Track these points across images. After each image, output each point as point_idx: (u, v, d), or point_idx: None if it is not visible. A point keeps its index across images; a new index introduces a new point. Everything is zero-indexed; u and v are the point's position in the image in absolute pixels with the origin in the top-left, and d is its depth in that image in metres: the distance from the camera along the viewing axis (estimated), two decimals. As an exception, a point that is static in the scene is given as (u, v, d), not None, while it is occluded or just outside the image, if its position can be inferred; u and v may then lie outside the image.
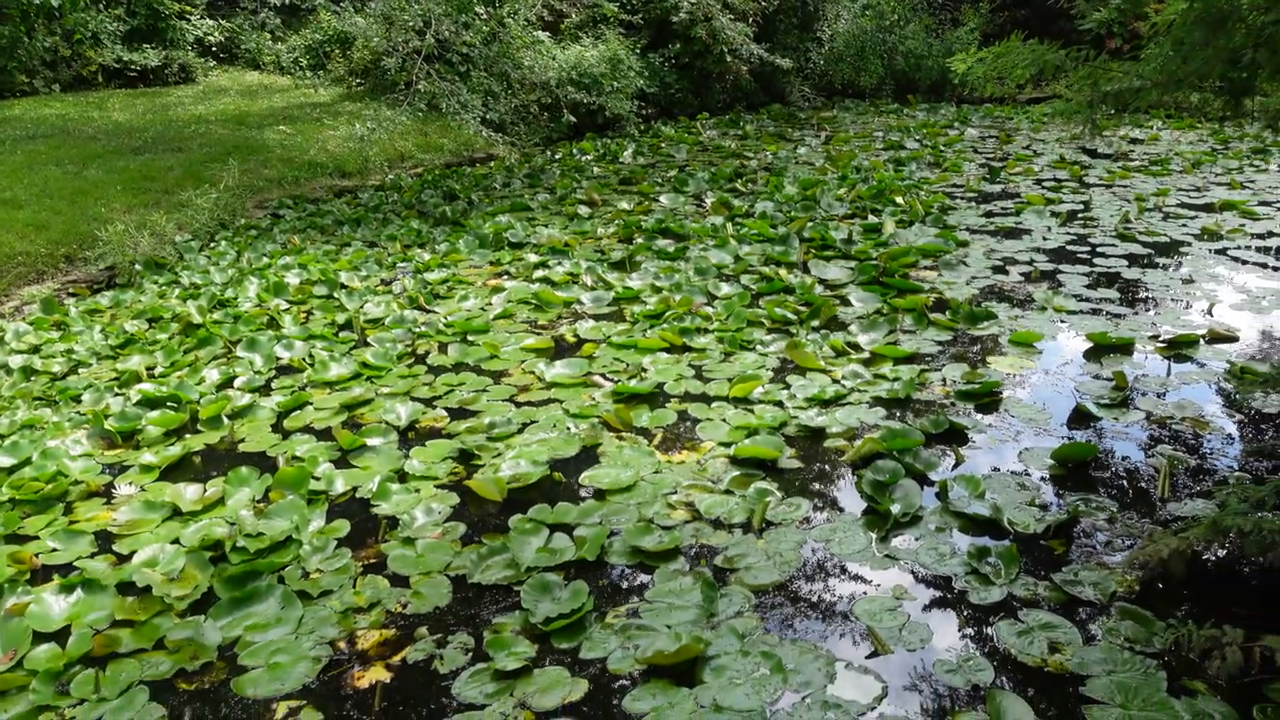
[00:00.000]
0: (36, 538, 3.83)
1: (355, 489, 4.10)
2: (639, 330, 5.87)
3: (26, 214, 8.14)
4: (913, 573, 3.36)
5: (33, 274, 7.38)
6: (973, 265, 7.09)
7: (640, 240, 8.09)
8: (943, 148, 12.60)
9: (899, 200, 9.04)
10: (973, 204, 9.17)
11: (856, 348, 5.49)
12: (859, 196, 9.37)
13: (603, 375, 5.24)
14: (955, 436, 4.37)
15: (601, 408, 4.76)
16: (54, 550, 3.71)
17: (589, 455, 4.33)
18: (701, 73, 16.51)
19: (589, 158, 12.87)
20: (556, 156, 13.13)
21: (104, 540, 3.80)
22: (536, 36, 14.35)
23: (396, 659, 3.02)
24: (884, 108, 17.53)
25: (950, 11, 19.51)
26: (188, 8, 16.49)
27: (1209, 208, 8.72)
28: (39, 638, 3.16)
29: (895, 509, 3.68)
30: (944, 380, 5.00)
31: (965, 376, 5.00)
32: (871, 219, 8.46)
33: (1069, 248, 7.51)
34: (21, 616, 3.22)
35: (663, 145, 13.75)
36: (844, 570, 3.40)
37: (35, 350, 6.07)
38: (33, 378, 5.61)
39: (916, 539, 3.55)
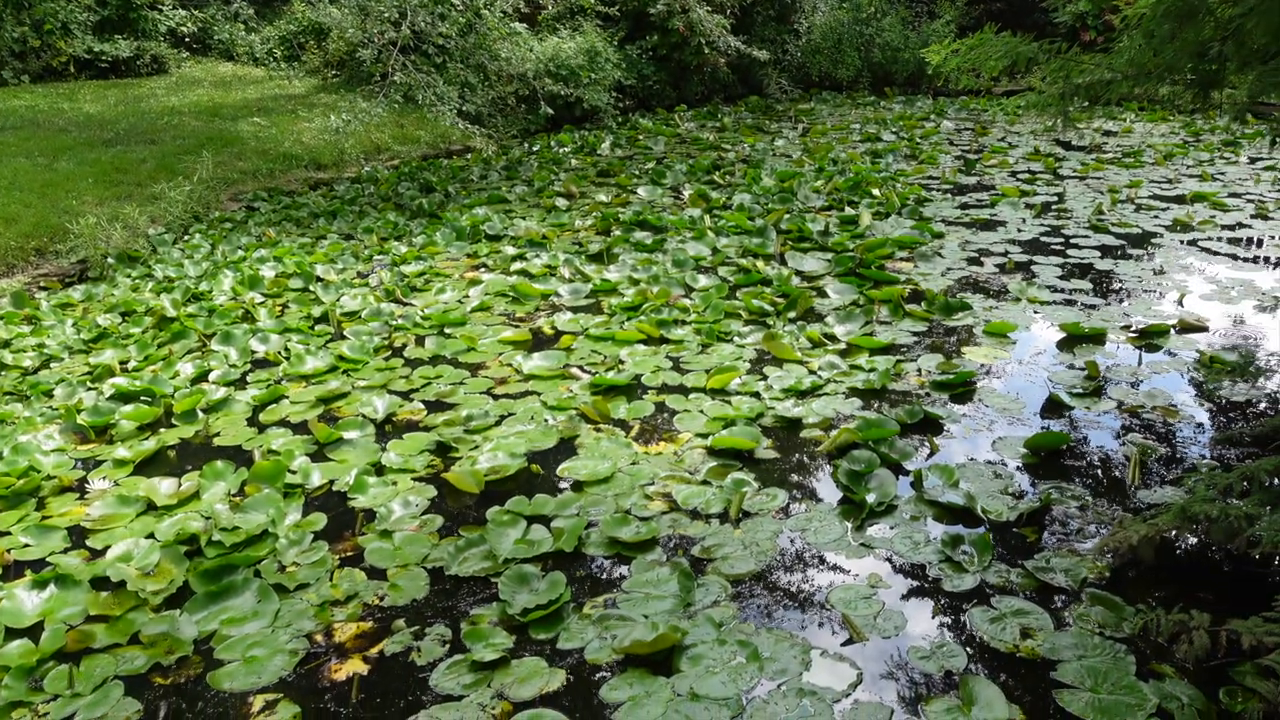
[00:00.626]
0: (8, 533, 3.79)
1: (332, 482, 4.09)
2: (616, 322, 5.87)
3: (-5, 207, 8.04)
4: (888, 561, 3.39)
5: (2, 267, 7.28)
6: (948, 257, 7.14)
7: (618, 232, 8.08)
8: (919, 140, 12.67)
9: (875, 192, 9.09)
10: (948, 196, 9.23)
11: (833, 339, 5.52)
12: (836, 188, 9.40)
13: (580, 367, 5.25)
14: (930, 426, 4.41)
15: (579, 400, 4.77)
16: (26, 546, 3.68)
17: (566, 447, 4.34)
18: (679, 65, 16.51)
19: (566, 150, 12.84)
20: (534, 149, 13.09)
21: (77, 535, 3.77)
22: (513, 28, 14.29)
23: (374, 651, 3.02)
24: (861, 100, 17.59)
25: (926, 4, 19.59)
26: (159, -2, 16.30)
27: (1180, 199, 8.82)
28: (11, 633, 3.14)
29: (871, 498, 3.71)
30: (919, 371, 5.04)
31: (940, 367, 5.04)
32: (848, 211, 8.49)
33: (1043, 239, 7.58)
34: (-7, 612, 3.19)
35: (640, 137, 13.75)
36: (820, 559, 3.43)
37: (6, 345, 5.99)
38: (3, 372, 5.55)
39: (891, 528, 3.58)
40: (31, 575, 3.42)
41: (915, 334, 5.60)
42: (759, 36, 17.53)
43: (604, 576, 3.39)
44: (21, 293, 6.87)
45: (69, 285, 7.36)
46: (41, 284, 7.30)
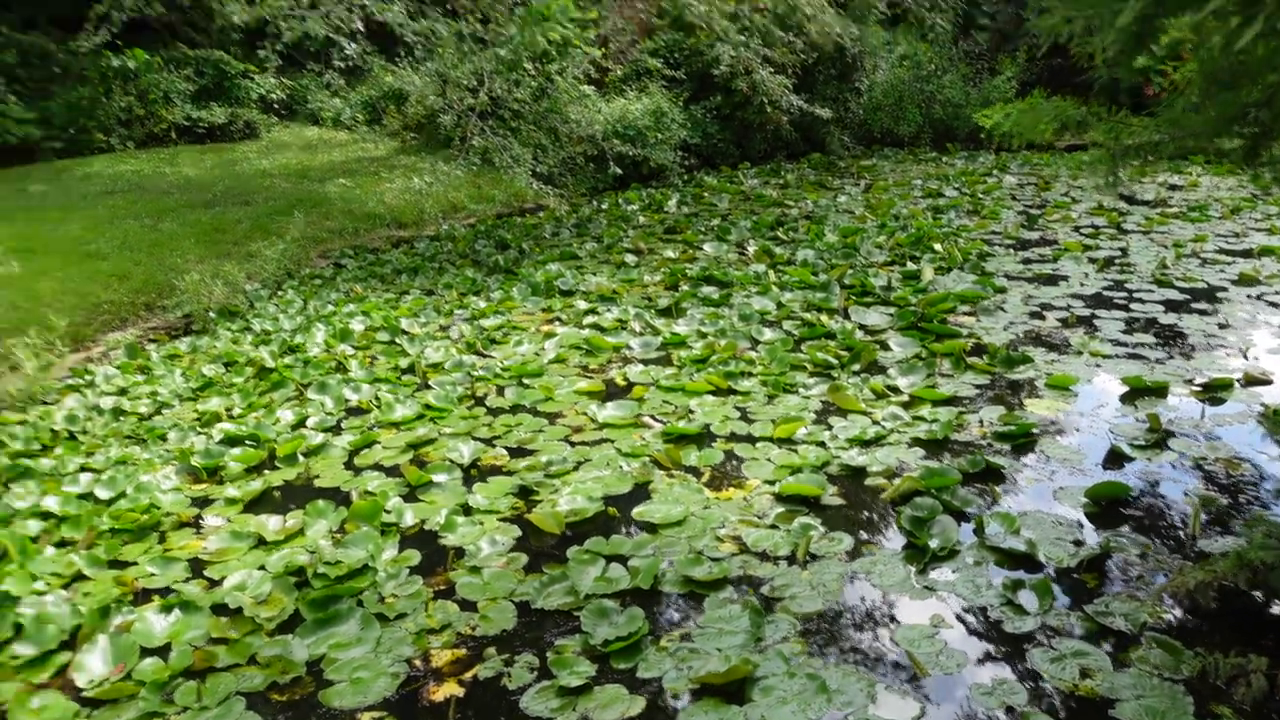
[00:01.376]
0: (135, 563, 4.16)
1: (424, 521, 4.39)
2: (686, 374, 6.12)
3: (109, 265, 8.68)
4: (950, 603, 3.54)
5: (116, 321, 7.86)
6: (1010, 311, 7.27)
7: (685, 287, 8.37)
8: (981, 195, 12.80)
9: (937, 247, 9.25)
10: (1011, 251, 9.35)
11: (896, 390, 5.69)
12: (898, 244, 9.59)
13: (652, 416, 5.50)
14: (992, 475, 4.55)
15: (652, 447, 5.02)
16: (152, 574, 4.04)
17: (641, 492, 4.58)
18: (742, 123, 16.91)
19: (634, 207, 13.25)
20: (603, 206, 13.54)
21: (196, 566, 4.12)
22: (583, 91, 14.87)
23: (468, 675, 3.28)
24: (922, 156, 17.77)
25: (987, 61, 19.78)
26: (252, 68, 17.30)
27: (1247, 253, 8.81)
28: (144, 652, 3.47)
29: (933, 544, 3.87)
30: (981, 422, 5.19)
31: (1002, 418, 5.17)
32: (910, 266, 8.67)
33: (1106, 293, 7.66)
34: (128, 633, 3.53)
35: (706, 195, 14.11)
36: (885, 600, 3.60)
37: (123, 392, 6.49)
38: (122, 418, 6.02)
39: (954, 572, 3.74)
40: (159, 601, 3.76)
41: (977, 386, 5.74)
42: (821, 95, 17.86)
43: (679, 612, 3.60)
44: (134, 344, 7.42)
45: (175, 337, 7.91)
46: (151, 336, 7.85)
